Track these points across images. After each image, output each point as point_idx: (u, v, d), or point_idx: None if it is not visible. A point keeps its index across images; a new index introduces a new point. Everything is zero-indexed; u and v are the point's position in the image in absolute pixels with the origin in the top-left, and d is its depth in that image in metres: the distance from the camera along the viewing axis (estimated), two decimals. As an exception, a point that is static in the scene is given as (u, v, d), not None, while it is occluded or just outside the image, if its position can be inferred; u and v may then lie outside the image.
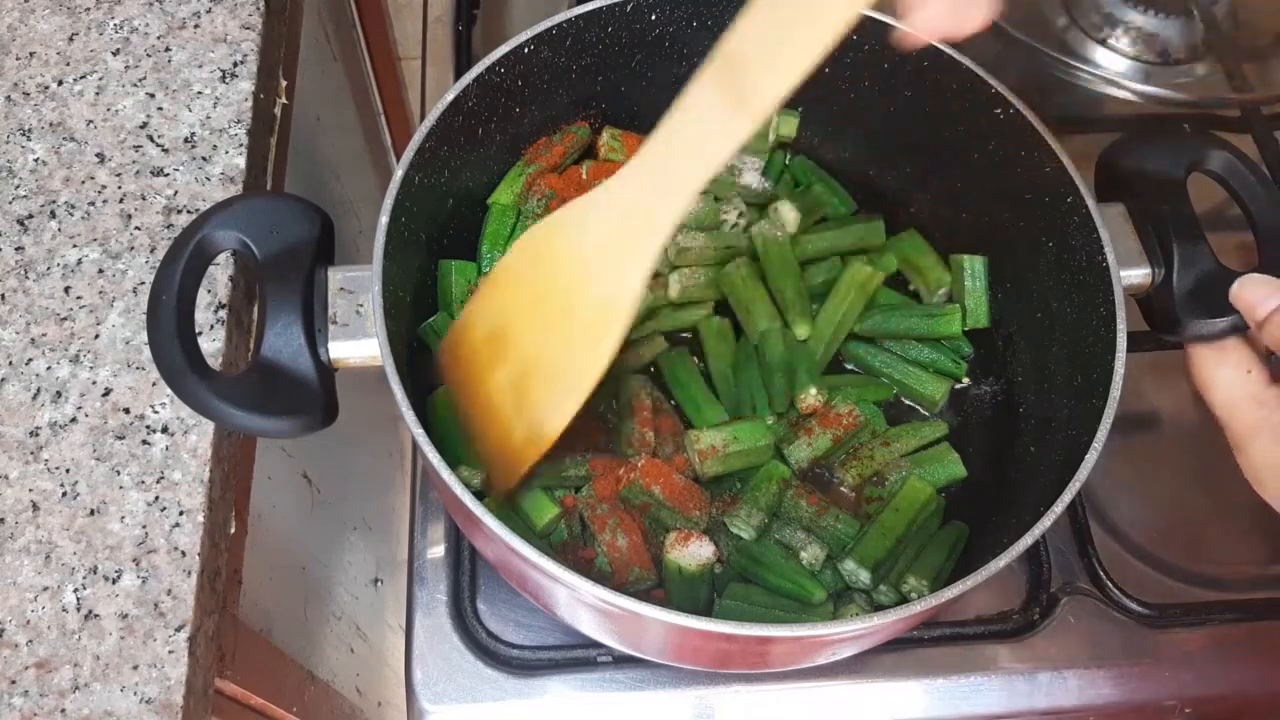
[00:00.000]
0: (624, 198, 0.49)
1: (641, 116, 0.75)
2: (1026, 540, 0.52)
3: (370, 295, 0.56)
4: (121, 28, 0.72)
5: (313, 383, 0.54)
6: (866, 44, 0.67)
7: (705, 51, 0.70)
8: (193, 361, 0.52)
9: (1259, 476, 0.55)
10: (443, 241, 0.68)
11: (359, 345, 0.56)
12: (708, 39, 0.69)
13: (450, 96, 0.62)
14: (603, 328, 0.49)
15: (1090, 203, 0.60)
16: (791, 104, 0.75)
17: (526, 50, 0.65)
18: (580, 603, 0.54)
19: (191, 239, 0.54)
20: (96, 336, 0.61)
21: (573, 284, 0.50)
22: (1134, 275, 0.60)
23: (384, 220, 0.57)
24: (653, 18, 0.68)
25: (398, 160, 0.60)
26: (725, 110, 0.45)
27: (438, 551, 0.69)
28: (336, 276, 0.58)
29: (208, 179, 0.67)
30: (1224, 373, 0.57)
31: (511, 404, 0.54)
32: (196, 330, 0.54)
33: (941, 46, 0.65)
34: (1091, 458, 0.54)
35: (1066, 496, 0.52)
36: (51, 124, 0.68)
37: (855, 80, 0.70)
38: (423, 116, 0.64)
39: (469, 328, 0.57)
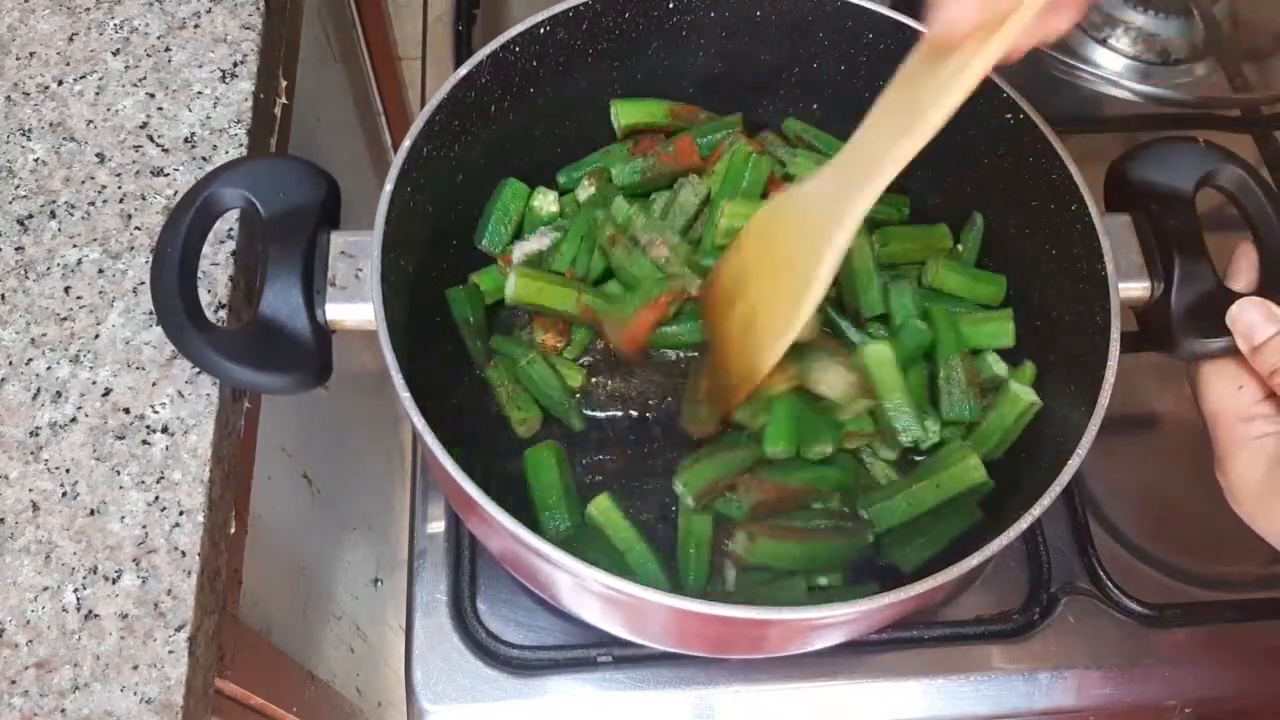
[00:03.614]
0: (818, 190, 0.57)
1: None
2: (1002, 540, 0.51)
3: (370, 260, 0.56)
4: (121, 28, 0.72)
5: (308, 342, 0.55)
6: (882, 43, 0.67)
7: (721, 42, 0.71)
8: (192, 315, 0.53)
9: (1234, 493, 0.55)
10: (450, 216, 0.68)
11: (356, 309, 0.57)
12: (723, 29, 0.70)
13: (464, 71, 0.62)
14: (801, 294, 0.56)
15: (1094, 211, 0.60)
16: (806, 103, 0.75)
17: (542, 30, 0.65)
18: (583, 589, 0.55)
19: (199, 195, 0.56)
20: (96, 336, 0.61)
21: (786, 253, 0.58)
22: (1133, 288, 0.60)
23: (388, 188, 0.58)
24: (670, 5, 0.68)
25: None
26: (904, 122, 0.51)
27: (438, 551, 0.69)
28: (339, 240, 0.58)
29: (208, 179, 0.67)
30: (1216, 384, 0.57)
31: (738, 340, 0.61)
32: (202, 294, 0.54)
33: None
34: (1074, 464, 0.53)
35: (1046, 500, 0.52)
36: (51, 124, 0.68)
37: (870, 79, 0.70)
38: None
39: (720, 271, 0.64)
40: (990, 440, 0.64)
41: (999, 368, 0.66)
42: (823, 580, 0.61)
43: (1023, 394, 0.63)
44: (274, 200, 0.57)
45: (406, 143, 0.59)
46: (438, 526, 0.70)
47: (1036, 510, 0.52)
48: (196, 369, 0.60)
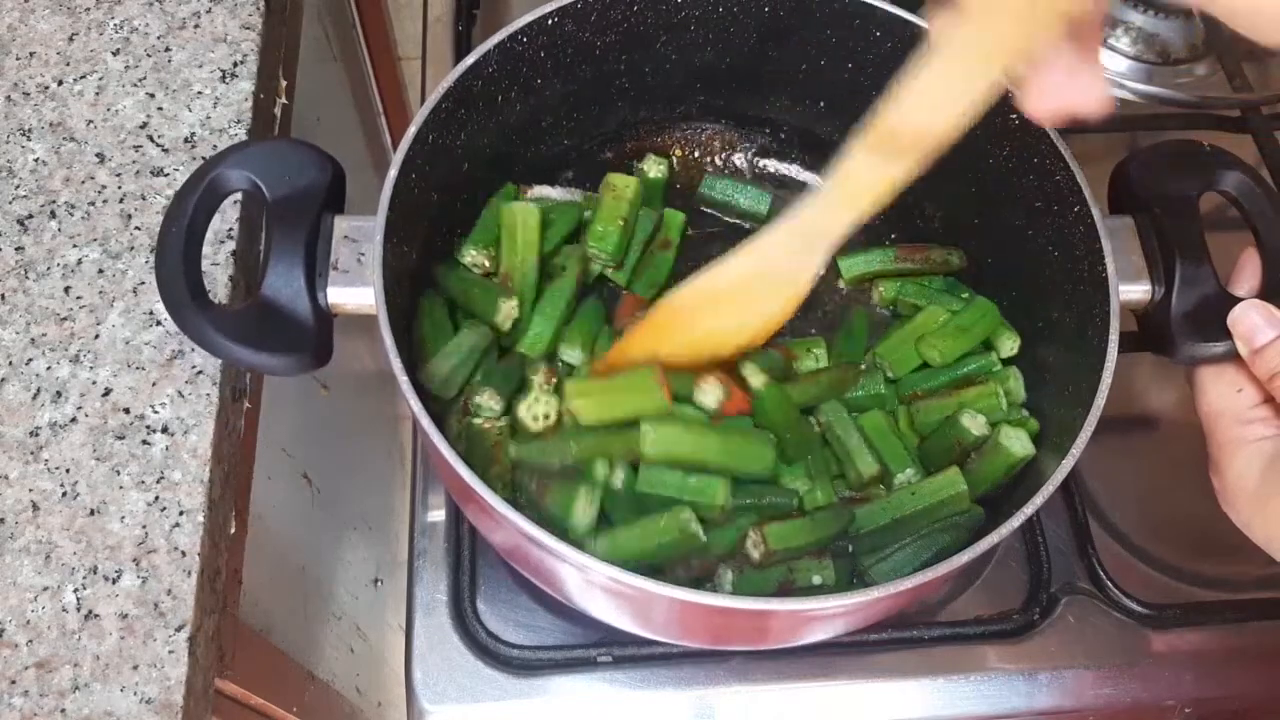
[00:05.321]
0: (780, 243, 0.58)
1: (662, 101, 0.75)
2: (993, 537, 0.51)
3: (373, 244, 0.56)
4: (121, 28, 0.72)
5: (309, 324, 0.55)
6: (889, 42, 0.67)
7: (728, 37, 0.71)
8: (194, 293, 0.53)
9: (1229, 495, 0.55)
10: (456, 205, 0.68)
11: (357, 292, 0.57)
12: (732, 25, 0.70)
13: (471, 59, 0.62)
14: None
15: (1096, 213, 0.60)
16: (813, 100, 0.75)
17: (550, 22, 0.65)
18: (586, 581, 0.54)
19: (206, 175, 0.56)
20: (96, 336, 0.61)
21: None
22: (1134, 290, 0.60)
23: (393, 172, 0.58)
24: (678, 0, 0.68)
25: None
26: (876, 171, 0.54)
27: (438, 551, 0.69)
28: (342, 224, 0.59)
29: (208, 179, 0.67)
30: (1215, 386, 0.57)
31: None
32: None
33: None
34: (1068, 464, 0.53)
35: (1038, 499, 0.52)
36: (51, 124, 0.68)
37: (877, 80, 0.69)
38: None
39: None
40: (980, 486, 0.63)
41: (980, 432, 0.64)
42: (816, 579, 0.61)
43: (1017, 448, 0.62)
44: (279, 183, 0.57)
45: (412, 129, 0.59)
46: (438, 526, 0.70)
47: (1029, 509, 0.52)
48: (197, 369, 0.60)
